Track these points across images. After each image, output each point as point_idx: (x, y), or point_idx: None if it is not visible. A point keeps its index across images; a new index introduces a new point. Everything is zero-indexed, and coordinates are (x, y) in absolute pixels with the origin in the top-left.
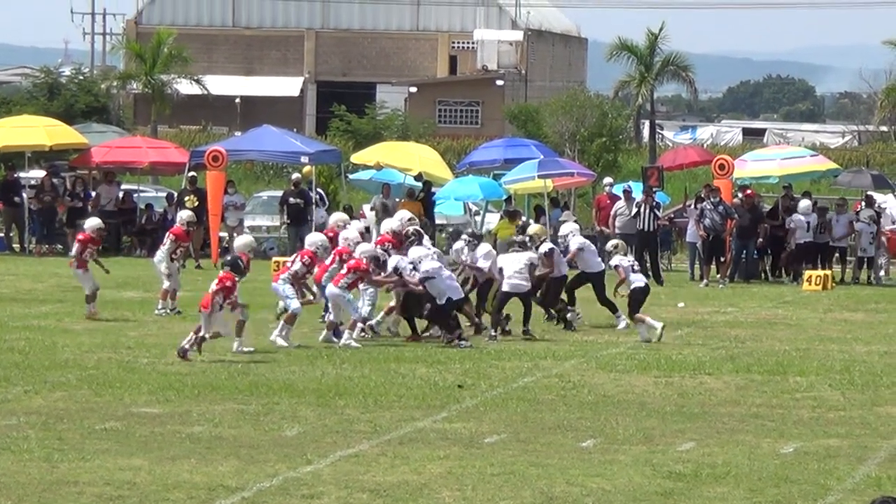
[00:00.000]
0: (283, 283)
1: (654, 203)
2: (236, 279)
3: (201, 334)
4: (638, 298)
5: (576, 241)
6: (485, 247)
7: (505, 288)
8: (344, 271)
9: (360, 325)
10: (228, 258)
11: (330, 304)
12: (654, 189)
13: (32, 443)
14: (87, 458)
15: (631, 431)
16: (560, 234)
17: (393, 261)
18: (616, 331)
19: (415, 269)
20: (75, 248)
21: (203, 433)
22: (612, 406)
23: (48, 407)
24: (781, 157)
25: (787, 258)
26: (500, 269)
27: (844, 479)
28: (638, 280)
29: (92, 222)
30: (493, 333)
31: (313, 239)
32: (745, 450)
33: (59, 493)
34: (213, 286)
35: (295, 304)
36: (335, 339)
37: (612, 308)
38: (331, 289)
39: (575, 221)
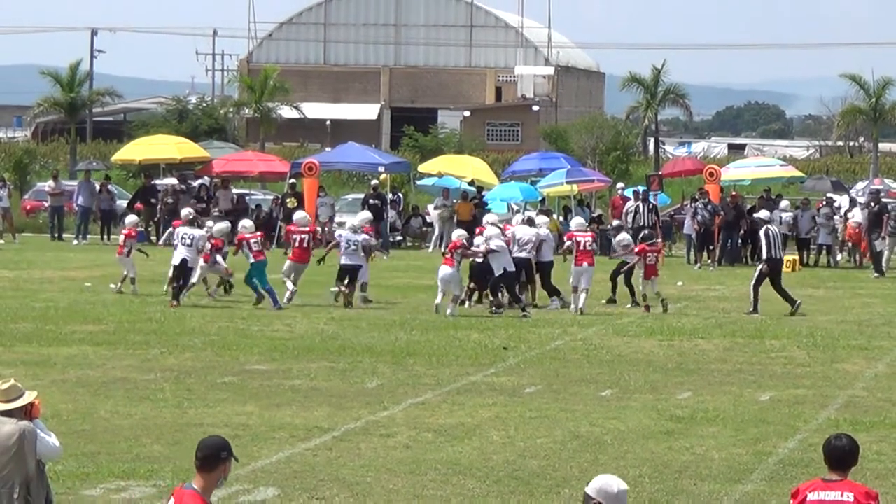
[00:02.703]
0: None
1: (650, 205)
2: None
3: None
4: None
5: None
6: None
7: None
8: (449, 255)
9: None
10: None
11: (440, 285)
12: (650, 193)
13: (167, 393)
14: (210, 405)
15: (640, 383)
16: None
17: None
18: (615, 307)
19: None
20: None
21: (301, 385)
22: (625, 363)
23: (179, 365)
24: (755, 165)
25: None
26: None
27: (810, 420)
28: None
29: (219, 225)
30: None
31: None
32: (731, 398)
33: (187, 434)
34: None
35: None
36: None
37: (556, 291)
38: (445, 270)
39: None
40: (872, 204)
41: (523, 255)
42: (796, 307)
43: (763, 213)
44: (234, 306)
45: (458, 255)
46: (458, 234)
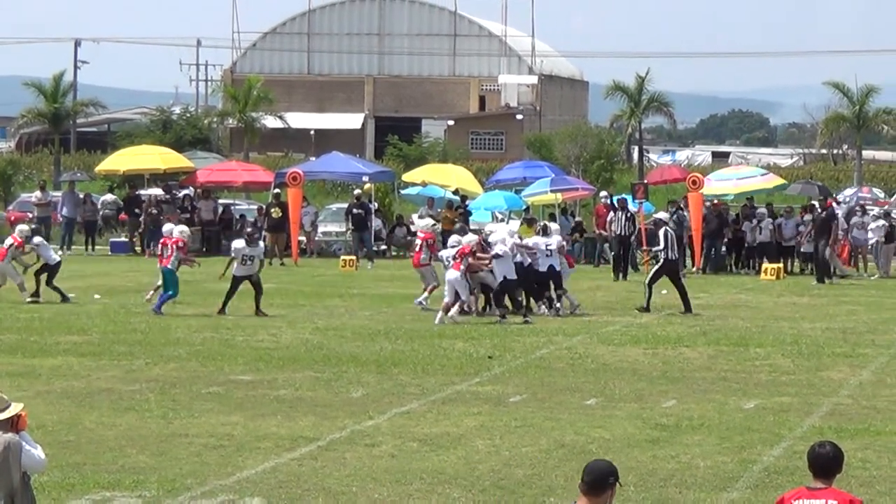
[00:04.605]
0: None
1: (629, 214)
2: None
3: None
4: None
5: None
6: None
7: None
8: (458, 259)
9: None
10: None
11: (447, 287)
12: (635, 201)
13: (152, 404)
14: (195, 415)
15: (625, 392)
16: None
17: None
18: (600, 315)
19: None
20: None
21: (286, 395)
22: (610, 372)
23: (164, 375)
24: (738, 177)
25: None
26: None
27: (794, 428)
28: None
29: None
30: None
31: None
32: (716, 406)
33: (173, 444)
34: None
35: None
36: (452, 316)
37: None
38: (452, 273)
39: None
40: (819, 211)
41: (552, 261)
42: (687, 309)
43: (662, 214)
44: (219, 317)
45: (466, 261)
46: (469, 240)
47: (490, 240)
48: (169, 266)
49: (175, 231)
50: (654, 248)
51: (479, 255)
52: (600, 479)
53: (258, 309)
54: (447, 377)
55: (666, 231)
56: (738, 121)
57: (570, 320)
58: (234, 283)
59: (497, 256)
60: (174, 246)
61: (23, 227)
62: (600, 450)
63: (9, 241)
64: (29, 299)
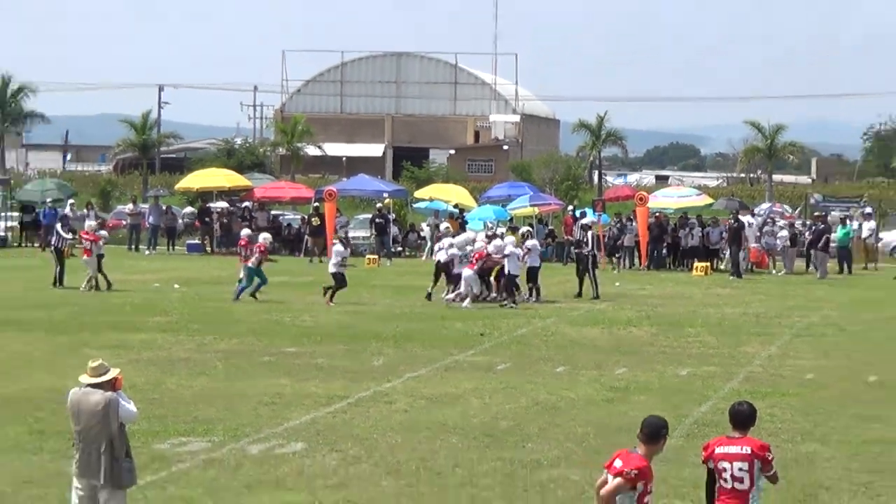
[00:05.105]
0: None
1: (584, 224)
2: None
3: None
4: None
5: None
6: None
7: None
8: (473, 260)
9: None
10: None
11: (463, 282)
12: (596, 213)
13: (219, 370)
14: (253, 378)
15: (586, 362)
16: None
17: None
18: (567, 302)
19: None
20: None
21: (323, 363)
22: (575, 347)
23: (228, 348)
24: (678, 195)
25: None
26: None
27: (718, 390)
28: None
29: (265, 235)
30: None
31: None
32: (657, 373)
33: (234, 401)
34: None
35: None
36: (467, 306)
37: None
38: (467, 272)
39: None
40: (733, 221)
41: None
42: (595, 295)
43: (588, 220)
44: (270, 302)
45: (481, 262)
46: (480, 247)
47: (494, 243)
48: (250, 265)
49: (260, 237)
50: (583, 248)
51: (493, 256)
52: (655, 430)
53: (329, 296)
54: (448, 349)
55: (593, 233)
56: (676, 151)
57: (544, 306)
58: (337, 278)
59: (506, 256)
60: (258, 249)
61: (92, 223)
62: (567, 406)
63: (86, 242)
64: (84, 287)
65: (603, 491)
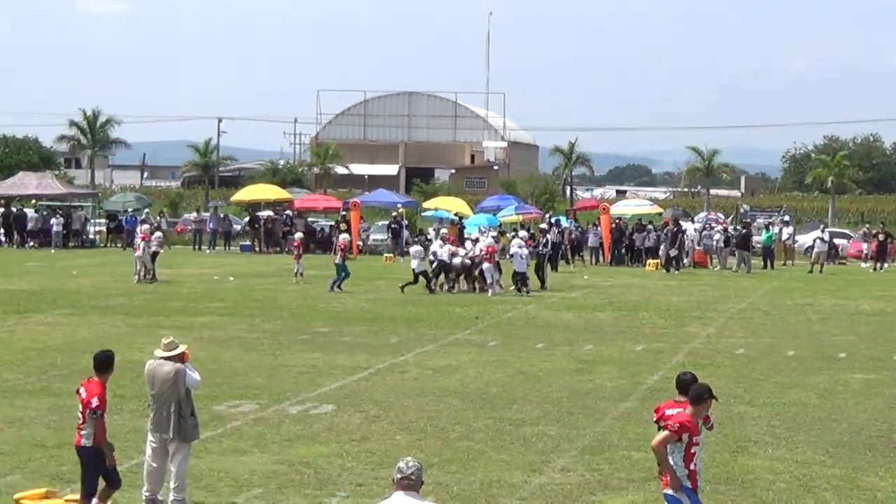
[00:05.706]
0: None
1: (557, 230)
2: None
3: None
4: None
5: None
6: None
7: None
8: (488, 256)
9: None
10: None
11: (486, 274)
12: (569, 221)
13: (265, 346)
14: (293, 353)
15: (560, 340)
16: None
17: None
18: (545, 292)
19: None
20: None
21: (349, 341)
22: (551, 327)
23: (273, 328)
24: (634, 205)
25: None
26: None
27: (667, 362)
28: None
29: (299, 236)
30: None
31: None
32: (618, 349)
33: (278, 371)
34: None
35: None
36: (498, 291)
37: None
38: (486, 265)
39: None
40: (672, 225)
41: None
42: (542, 286)
43: (544, 225)
44: (306, 290)
45: (494, 256)
46: (489, 244)
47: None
48: (337, 261)
49: (340, 237)
50: (542, 248)
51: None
52: (699, 394)
53: (403, 287)
54: (450, 329)
55: (551, 234)
56: (632, 171)
57: (531, 296)
58: (423, 273)
59: (512, 255)
60: (339, 247)
61: (145, 227)
62: (545, 376)
63: (138, 240)
64: (138, 280)
65: (653, 442)
